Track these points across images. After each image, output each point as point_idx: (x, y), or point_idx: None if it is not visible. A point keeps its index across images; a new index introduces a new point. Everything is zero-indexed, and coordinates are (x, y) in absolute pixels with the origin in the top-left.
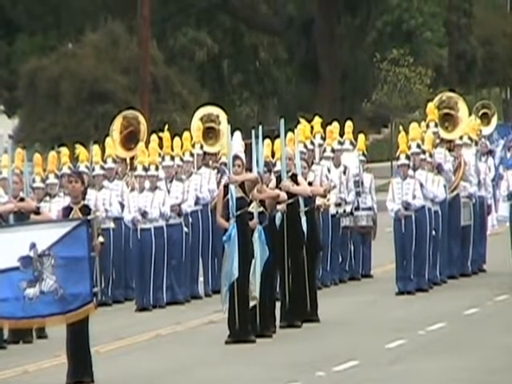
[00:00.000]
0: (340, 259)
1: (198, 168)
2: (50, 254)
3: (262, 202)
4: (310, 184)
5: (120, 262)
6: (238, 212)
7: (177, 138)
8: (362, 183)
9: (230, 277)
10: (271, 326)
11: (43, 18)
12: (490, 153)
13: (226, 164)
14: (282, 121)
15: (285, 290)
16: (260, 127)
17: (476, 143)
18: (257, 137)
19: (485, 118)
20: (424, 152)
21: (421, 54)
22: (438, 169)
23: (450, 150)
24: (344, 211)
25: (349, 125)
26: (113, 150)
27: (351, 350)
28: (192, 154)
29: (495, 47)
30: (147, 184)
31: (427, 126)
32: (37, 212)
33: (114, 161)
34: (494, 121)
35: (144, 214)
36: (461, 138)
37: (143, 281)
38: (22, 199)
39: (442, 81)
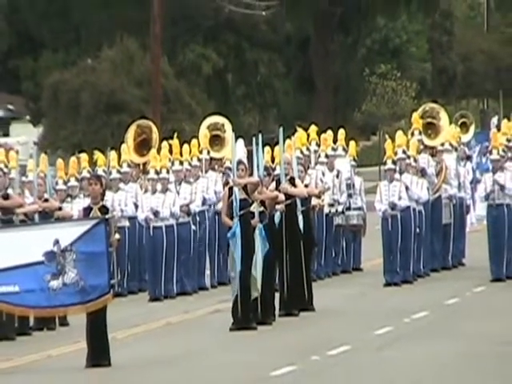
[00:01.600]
0: (333, 254)
1: (206, 172)
2: (71, 249)
3: (262, 203)
4: (306, 186)
5: (134, 257)
6: (241, 211)
7: (185, 145)
8: (353, 186)
9: (235, 270)
10: (271, 315)
11: (65, 36)
12: (468, 158)
13: (230, 168)
14: (281, 129)
15: (283, 282)
16: (260, 135)
17: (456, 149)
18: (257, 144)
19: (464, 127)
20: (409, 157)
21: (406, 68)
22: (422, 173)
23: (432, 155)
24: (336, 211)
25: (341, 133)
26: (128, 156)
27: (344, 336)
28: (199, 159)
29: (473, 63)
30: (159, 186)
31: (412, 134)
32: (59, 211)
33: (129, 165)
34: (472, 129)
35: (156, 214)
36: (442, 144)
37: (155, 274)
38: (46, 200)
39: (425, 93)
